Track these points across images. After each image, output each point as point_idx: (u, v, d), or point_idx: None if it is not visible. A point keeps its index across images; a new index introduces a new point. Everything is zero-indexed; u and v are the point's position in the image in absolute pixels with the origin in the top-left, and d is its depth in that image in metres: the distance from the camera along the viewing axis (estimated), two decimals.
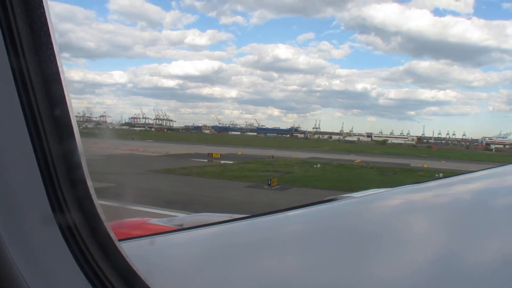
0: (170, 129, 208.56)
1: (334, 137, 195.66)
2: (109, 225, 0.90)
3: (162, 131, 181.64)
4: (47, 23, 0.80)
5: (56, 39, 0.81)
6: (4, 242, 0.77)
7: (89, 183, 0.86)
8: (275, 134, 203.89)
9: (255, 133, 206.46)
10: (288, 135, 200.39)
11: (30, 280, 0.78)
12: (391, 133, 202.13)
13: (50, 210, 0.82)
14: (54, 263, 0.83)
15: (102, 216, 0.88)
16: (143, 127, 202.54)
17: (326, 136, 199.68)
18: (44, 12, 0.80)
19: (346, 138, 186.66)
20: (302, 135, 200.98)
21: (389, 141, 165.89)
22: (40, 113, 0.80)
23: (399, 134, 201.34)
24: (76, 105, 0.86)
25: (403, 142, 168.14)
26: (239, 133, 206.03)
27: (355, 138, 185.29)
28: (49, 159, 0.81)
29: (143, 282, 0.92)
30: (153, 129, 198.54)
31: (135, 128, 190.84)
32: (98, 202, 0.87)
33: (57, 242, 0.82)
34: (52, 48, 0.81)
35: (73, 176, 0.84)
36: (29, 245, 0.80)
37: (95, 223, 0.88)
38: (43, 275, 0.80)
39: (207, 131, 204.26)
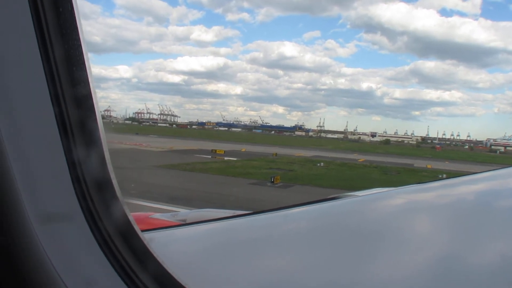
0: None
1: (338, 136, 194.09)
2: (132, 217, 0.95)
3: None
4: (76, 22, 0.85)
5: (84, 38, 0.86)
6: (38, 238, 0.82)
7: (114, 179, 0.91)
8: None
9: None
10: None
11: (61, 271, 0.84)
12: (395, 132, 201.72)
13: (78, 205, 0.87)
14: (83, 255, 0.88)
15: (126, 209, 0.93)
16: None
17: (330, 135, 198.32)
18: (73, 10, 0.85)
19: (326, 135, 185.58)
20: (303, 133, 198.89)
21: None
22: (68, 113, 0.85)
23: (403, 134, 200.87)
24: None
25: (404, 141, 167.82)
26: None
27: (357, 137, 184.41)
28: (76, 158, 0.86)
29: (166, 271, 0.97)
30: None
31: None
32: (122, 196, 0.92)
33: (85, 235, 0.88)
34: (81, 48, 0.86)
35: (98, 173, 0.90)
36: (59, 238, 0.85)
37: (119, 216, 0.93)
38: (73, 266, 0.86)
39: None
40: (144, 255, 0.95)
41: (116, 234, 0.91)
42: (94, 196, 0.89)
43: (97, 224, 0.89)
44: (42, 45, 0.81)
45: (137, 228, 0.95)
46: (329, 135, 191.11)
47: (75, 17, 0.84)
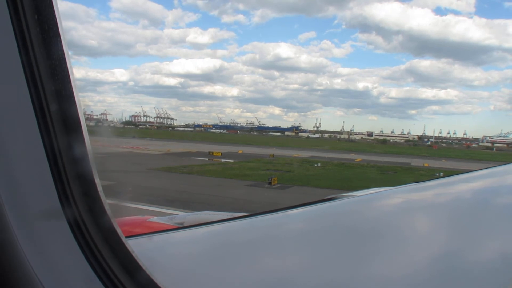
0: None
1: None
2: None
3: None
4: (56, 20, 0.82)
5: (65, 36, 0.82)
6: (15, 235, 0.79)
7: (96, 179, 0.88)
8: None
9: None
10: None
11: (39, 272, 0.80)
12: (392, 132, 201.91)
13: (59, 204, 0.84)
14: (62, 256, 0.85)
15: (109, 211, 0.90)
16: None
17: (327, 135, 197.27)
18: (53, 10, 0.81)
19: (313, 135, 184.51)
20: (293, 134, 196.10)
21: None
22: (49, 109, 0.81)
23: (399, 133, 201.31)
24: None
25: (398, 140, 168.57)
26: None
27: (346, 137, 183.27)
28: (58, 155, 0.83)
29: (148, 276, 0.93)
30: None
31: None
32: (105, 197, 0.89)
33: (65, 235, 0.85)
34: (61, 45, 0.83)
35: (81, 171, 0.86)
36: (38, 238, 0.82)
37: (101, 217, 0.90)
38: (51, 267, 0.83)
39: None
40: (127, 260, 0.93)
41: (98, 237, 0.89)
42: (76, 196, 0.86)
43: (79, 226, 0.86)
44: (21, 41, 0.78)
45: (119, 230, 0.93)
46: (316, 135, 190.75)
47: (54, 9, 0.81)
